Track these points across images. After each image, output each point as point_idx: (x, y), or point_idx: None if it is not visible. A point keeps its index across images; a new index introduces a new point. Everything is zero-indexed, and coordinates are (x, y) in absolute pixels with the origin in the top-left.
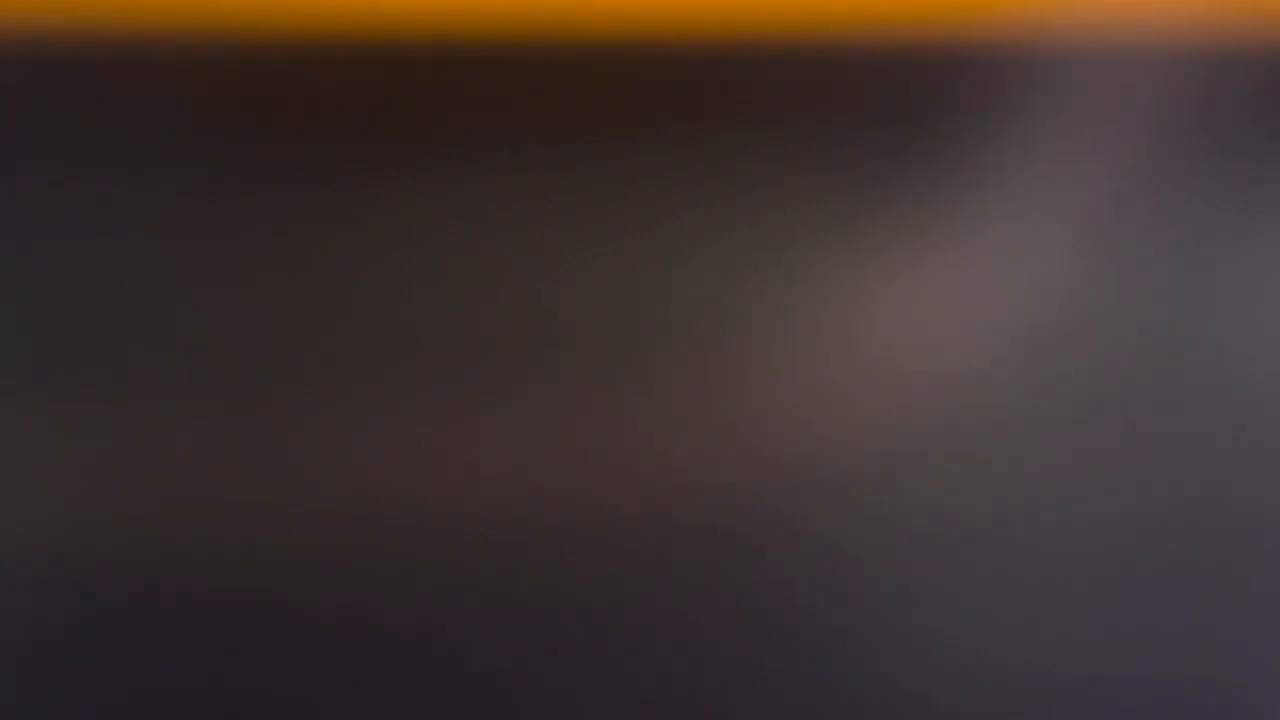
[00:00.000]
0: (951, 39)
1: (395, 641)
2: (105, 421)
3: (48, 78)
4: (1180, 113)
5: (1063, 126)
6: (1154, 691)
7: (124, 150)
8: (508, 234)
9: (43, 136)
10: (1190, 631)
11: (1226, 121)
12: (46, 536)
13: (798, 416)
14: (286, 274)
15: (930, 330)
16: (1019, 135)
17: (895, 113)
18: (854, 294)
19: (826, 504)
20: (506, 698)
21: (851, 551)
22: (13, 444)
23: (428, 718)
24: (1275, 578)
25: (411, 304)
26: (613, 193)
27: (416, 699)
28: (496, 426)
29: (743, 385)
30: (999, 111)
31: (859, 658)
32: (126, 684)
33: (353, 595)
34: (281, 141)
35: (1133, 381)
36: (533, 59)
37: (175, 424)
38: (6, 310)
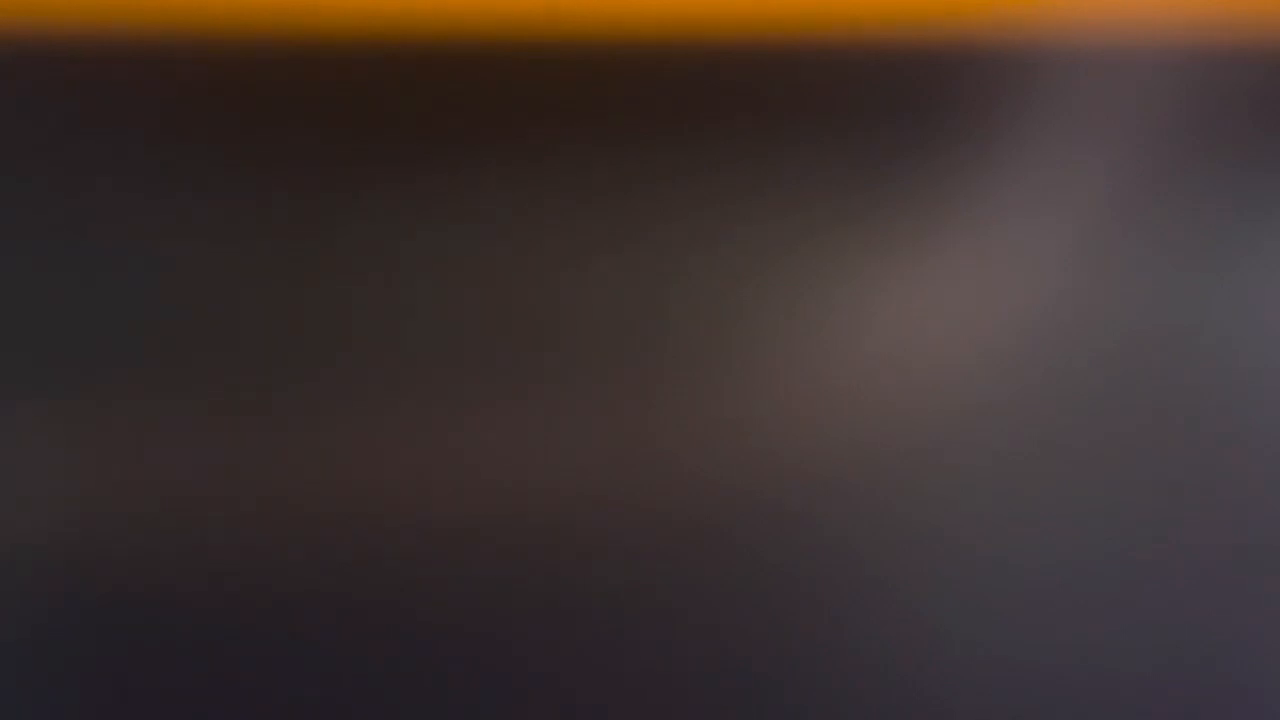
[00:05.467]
0: (953, 39)
1: (396, 642)
2: (105, 421)
3: (48, 78)
4: (1180, 113)
5: (1064, 126)
6: (1156, 691)
7: (125, 150)
8: (509, 235)
9: (43, 136)
10: (1193, 631)
11: (1226, 121)
12: (46, 536)
13: (802, 417)
14: (287, 274)
15: (934, 330)
16: (1021, 135)
17: (897, 113)
18: (857, 294)
19: (831, 504)
20: (509, 698)
21: (857, 552)
22: (12, 444)
23: (428, 717)
24: (1277, 577)
25: (413, 305)
26: (616, 193)
27: (417, 699)
28: (499, 428)
29: (747, 386)
30: (1000, 112)
31: (864, 658)
32: (126, 684)
33: (353, 596)
34: (281, 141)
35: (1137, 380)
36: (534, 59)
37: (175, 424)
38: (6, 310)
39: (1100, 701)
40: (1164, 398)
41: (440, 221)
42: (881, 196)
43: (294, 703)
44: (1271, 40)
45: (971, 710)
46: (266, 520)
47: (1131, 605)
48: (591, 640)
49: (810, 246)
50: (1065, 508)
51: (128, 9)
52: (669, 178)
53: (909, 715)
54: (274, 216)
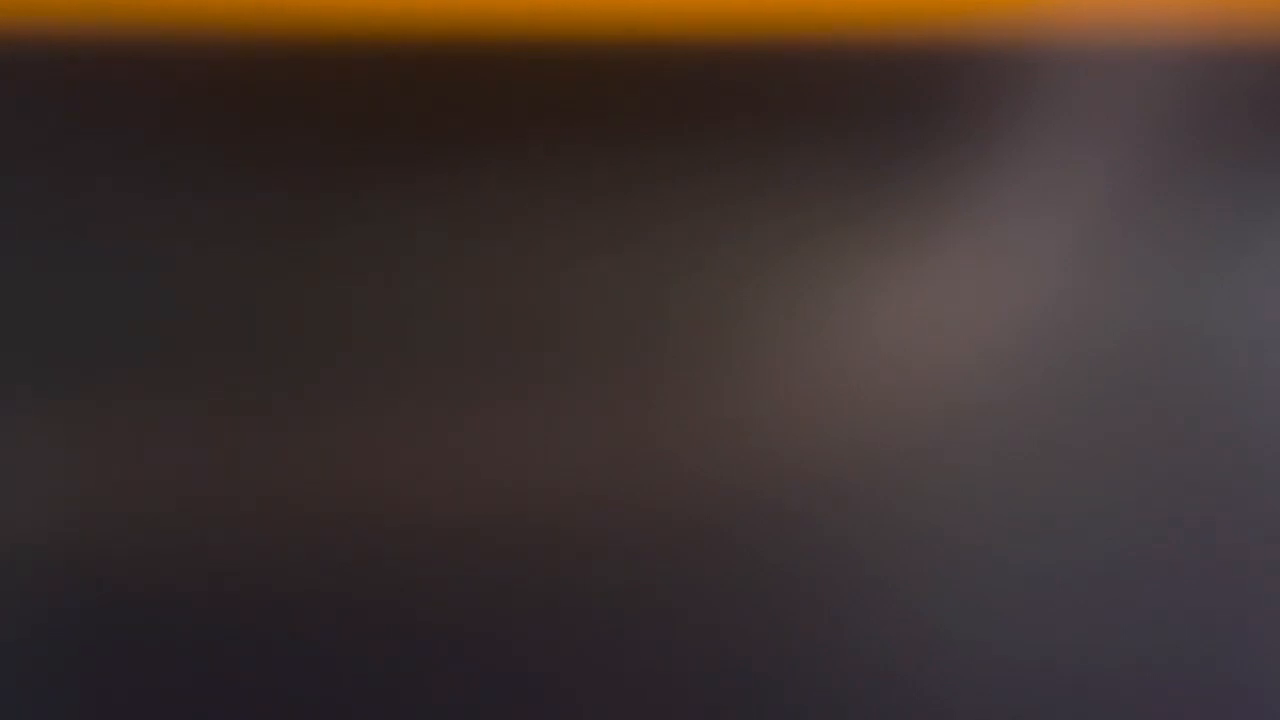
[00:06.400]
0: (953, 39)
1: (396, 642)
2: (105, 421)
3: (48, 78)
4: (1180, 113)
5: (1064, 126)
6: (1156, 691)
7: (125, 150)
8: (509, 235)
9: (43, 136)
10: (1193, 631)
11: (1226, 121)
12: (46, 536)
13: (802, 417)
14: (287, 274)
15: (934, 330)
16: (1021, 135)
17: (897, 113)
18: (857, 294)
19: (831, 504)
20: (509, 698)
21: (857, 552)
22: (12, 444)
23: (428, 717)
24: (1277, 577)
25: (413, 305)
26: (616, 193)
27: (417, 699)
28: (499, 428)
29: (747, 386)
30: (1000, 112)
31: (864, 658)
32: (126, 684)
33: (353, 596)
34: (281, 141)
35: (1137, 380)
36: (534, 59)
37: (175, 424)
38: (6, 310)
39: (1100, 701)
40: (1164, 398)
41: (440, 221)
42: (881, 196)
43: (294, 703)
44: (1271, 40)
45: (971, 710)
46: (266, 520)
47: (1131, 605)
48: (591, 640)
49: (810, 246)
50: (1065, 508)
51: (128, 9)
52: (669, 178)
53: (909, 715)
54: (274, 216)
